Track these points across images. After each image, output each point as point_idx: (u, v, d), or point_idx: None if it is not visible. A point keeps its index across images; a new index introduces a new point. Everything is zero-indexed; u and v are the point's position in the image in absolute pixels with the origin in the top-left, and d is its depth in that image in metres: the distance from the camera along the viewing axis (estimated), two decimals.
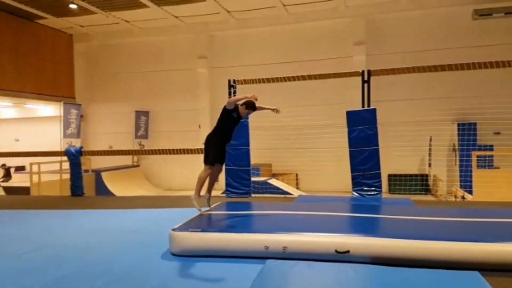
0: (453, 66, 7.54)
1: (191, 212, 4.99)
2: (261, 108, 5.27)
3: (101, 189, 13.09)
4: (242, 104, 5.00)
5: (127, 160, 15.58)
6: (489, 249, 3.43)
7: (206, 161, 5.02)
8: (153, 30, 15.62)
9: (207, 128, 15.23)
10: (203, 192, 5.14)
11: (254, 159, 10.27)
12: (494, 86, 12.30)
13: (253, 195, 8.22)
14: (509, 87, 12.16)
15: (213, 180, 5.30)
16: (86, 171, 12.32)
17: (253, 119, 8.28)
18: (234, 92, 8.26)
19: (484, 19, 12.26)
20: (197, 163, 16.84)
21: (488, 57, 8.00)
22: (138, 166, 15.97)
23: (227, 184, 8.01)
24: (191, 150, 8.64)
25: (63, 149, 10.74)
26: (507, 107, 10.06)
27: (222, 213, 5.21)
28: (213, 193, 12.19)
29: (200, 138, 15.43)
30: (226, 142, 5.17)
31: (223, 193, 8.44)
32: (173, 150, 8.70)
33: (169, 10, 13.90)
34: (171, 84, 15.92)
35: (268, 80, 8.39)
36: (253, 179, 8.92)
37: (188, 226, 4.18)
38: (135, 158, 16.05)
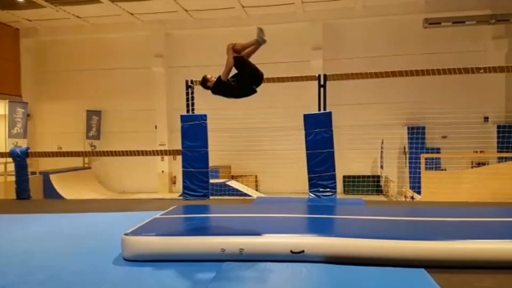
0: (403, 72, 7.89)
1: (145, 216, 4.86)
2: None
3: (50, 192, 12.50)
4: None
5: (77, 161, 14.93)
6: (435, 247, 3.60)
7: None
8: (107, 27, 15.09)
9: (164, 129, 14.95)
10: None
11: (213, 161, 10.15)
12: (442, 92, 13.01)
13: (211, 197, 8.14)
14: (455, 93, 12.91)
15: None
16: (33, 173, 11.78)
17: (212, 120, 8.22)
18: (192, 93, 8.14)
19: (433, 27, 12.95)
20: (153, 165, 16.40)
21: (437, 64, 8.46)
22: (89, 168, 15.39)
23: (184, 187, 7.88)
24: (146, 151, 8.41)
25: (7, 150, 10.15)
26: (453, 112, 10.69)
27: (178, 217, 5.12)
28: (170, 196, 11.93)
29: (156, 139, 15.13)
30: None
31: (180, 195, 8.29)
32: (127, 151, 8.40)
33: (124, 7, 13.49)
34: (125, 83, 15.45)
35: None
36: (211, 181, 8.83)
37: (141, 230, 4.07)
38: (86, 159, 15.45)
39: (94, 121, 15.51)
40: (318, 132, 7.57)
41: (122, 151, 8.43)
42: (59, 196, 12.21)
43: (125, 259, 3.85)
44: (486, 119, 13.15)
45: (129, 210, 6.51)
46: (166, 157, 14.74)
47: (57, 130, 15.85)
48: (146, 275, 3.51)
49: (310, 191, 7.66)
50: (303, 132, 7.71)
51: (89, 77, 15.68)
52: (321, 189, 7.60)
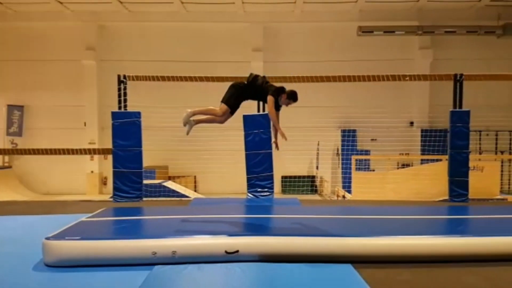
0: (336, 78, 8.24)
1: (71, 219, 4.55)
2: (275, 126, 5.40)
3: None
4: (284, 93, 5.07)
5: None
6: (361, 243, 3.80)
7: (226, 102, 4.99)
8: (32, 15, 13.93)
9: (94, 126, 14.17)
10: (195, 118, 4.96)
11: (148, 161, 9.76)
12: (372, 97, 13.74)
13: (145, 199, 7.84)
14: (384, 99, 13.71)
15: (211, 121, 5.11)
16: None
17: (147, 118, 7.92)
18: (125, 88, 7.75)
19: (366, 35, 13.67)
20: (81, 164, 15.42)
21: (369, 71, 8.91)
22: (10, 167, 14.15)
23: (115, 188, 7.49)
24: (74, 150, 7.89)
25: None
26: (382, 117, 11.34)
27: (107, 219, 4.86)
28: (99, 197, 11.32)
29: (85, 136, 14.28)
30: (244, 100, 5.17)
31: (111, 197, 7.87)
32: (53, 150, 7.84)
33: None
34: (52, 76, 14.38)
35: (162, 78, 8.10)
36: (146, 182, 8.49)
37: (65, 234, 3.81)
38: (6, 158, 14.20)
39: (15, 116, 14.29)
40: (257, 133, 7.68)
41: (47, 149, 7.90)
42: None
43: (47, 265, 3.60)
44: (411, 123, 14.18)
45: (53, 213, 6.11)
46: (96, 156, 13.95)
47: None
48: (70, 282, 3.30)
49: (248, 191, 7.75)
50: (243, 133, 7.75)
51: (10, 69, 14.39)
52: (259, 189, 7.69)
